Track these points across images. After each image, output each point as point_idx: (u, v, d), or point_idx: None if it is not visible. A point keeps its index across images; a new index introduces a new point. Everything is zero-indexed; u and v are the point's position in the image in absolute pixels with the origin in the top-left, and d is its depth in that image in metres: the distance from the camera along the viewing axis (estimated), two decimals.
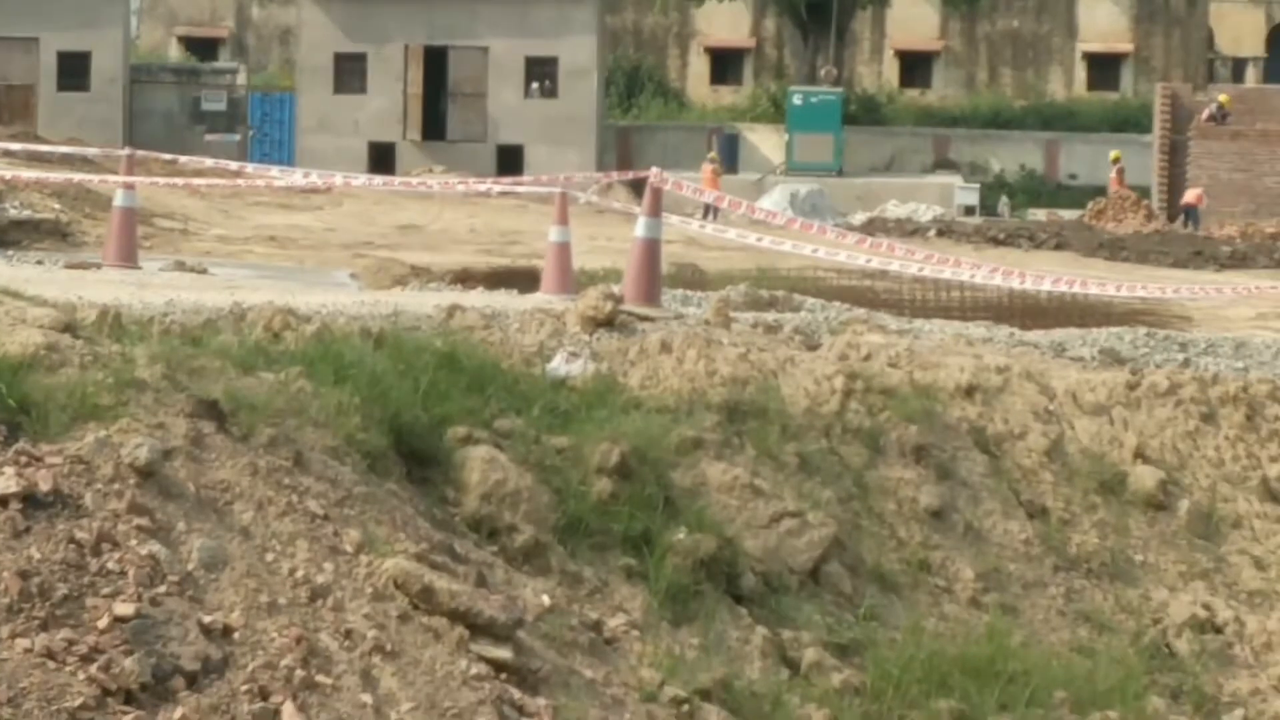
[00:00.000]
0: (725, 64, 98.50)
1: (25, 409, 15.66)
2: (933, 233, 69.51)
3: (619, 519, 18.02)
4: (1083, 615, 19.57)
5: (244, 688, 14.17)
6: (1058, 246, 66.20)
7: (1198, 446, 21.42)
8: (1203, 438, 21.52)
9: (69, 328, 17.91)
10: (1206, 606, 19.78)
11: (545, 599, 16.83)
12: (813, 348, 21.83)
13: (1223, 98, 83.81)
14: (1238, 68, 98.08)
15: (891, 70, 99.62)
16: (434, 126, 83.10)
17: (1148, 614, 19.71)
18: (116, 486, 15.11)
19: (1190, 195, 76.24)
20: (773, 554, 18.59)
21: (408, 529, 16.45)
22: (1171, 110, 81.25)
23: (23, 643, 13.79)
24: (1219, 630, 19.66)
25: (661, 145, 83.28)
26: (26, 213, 49.22)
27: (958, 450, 20.64)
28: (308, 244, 51.14)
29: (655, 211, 23.97)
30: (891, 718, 17.37)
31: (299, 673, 14.41)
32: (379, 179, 50.94)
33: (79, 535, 14.60)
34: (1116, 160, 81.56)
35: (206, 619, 14.54)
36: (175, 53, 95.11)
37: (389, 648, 15.01)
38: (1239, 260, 62.89)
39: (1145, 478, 20.87)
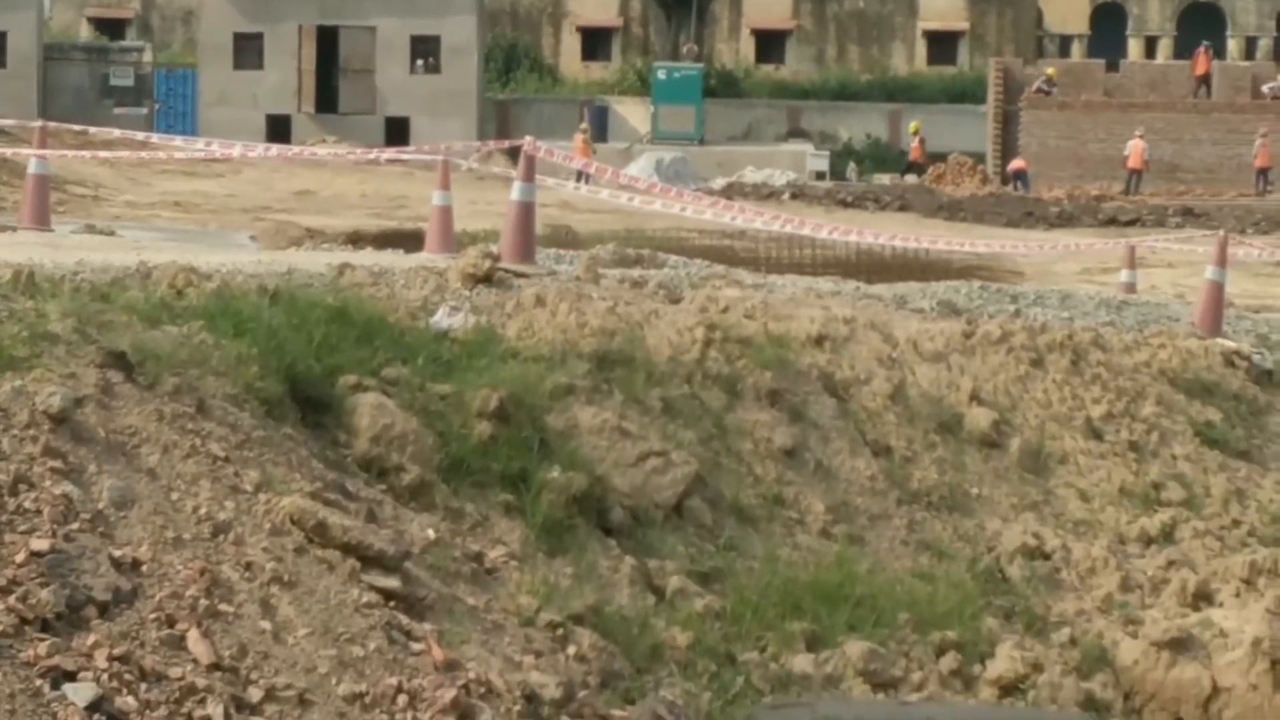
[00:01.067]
0: (595, 42, 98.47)
1: None
2: (787, 196, 69.59)
3: (498, 459, 18.05)
4: (923, 544, 19.64)
5: (152, 616, 14.12)
6: (901, 208, 66.46)
7: (1027, 389, 21.52)
8: (1032, 381, 21.62)
9: None
10: (1036, 535, 19.87)
11: (430, 533, 16.84)
12: (675, 301, 21.85)
13: (1050, 71, 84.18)
14: (1064, 44, 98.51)
15: (748, 47, 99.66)
16: (326, 100, 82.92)
17: (982, 543, 19.80)
18: (31, 432, 15.05)
19: (1017, 162, 76.61)
20: (639, 490, 18.63)
21: (303, 470, 16.43)
22: (1004, 83, 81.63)
23: None
24: (1047, 557, 19.75)
25: (537, 117, 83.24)
26: None
27: (809, 394, 20.68)
28: (210, 209, 50.97)
29: (529, 177, 23.97)
30: (749, 639, 17.41)
31: (203, 602, 14.37)
32: (275, 149, 50.70)
33: None
34: (916, 131, 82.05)
35: (116, 553, 14.49)
36: (85, 33, 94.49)
37: (286, 578, 14.98)
38: (1066, 220, 63.24)
39: (980, 418, 20.98)
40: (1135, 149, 74.15)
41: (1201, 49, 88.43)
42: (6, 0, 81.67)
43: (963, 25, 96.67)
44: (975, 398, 21.21)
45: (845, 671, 17.37)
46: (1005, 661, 17.94)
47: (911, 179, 78.04)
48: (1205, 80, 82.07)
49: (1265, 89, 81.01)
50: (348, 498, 16.47)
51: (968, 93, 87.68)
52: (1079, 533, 20.03)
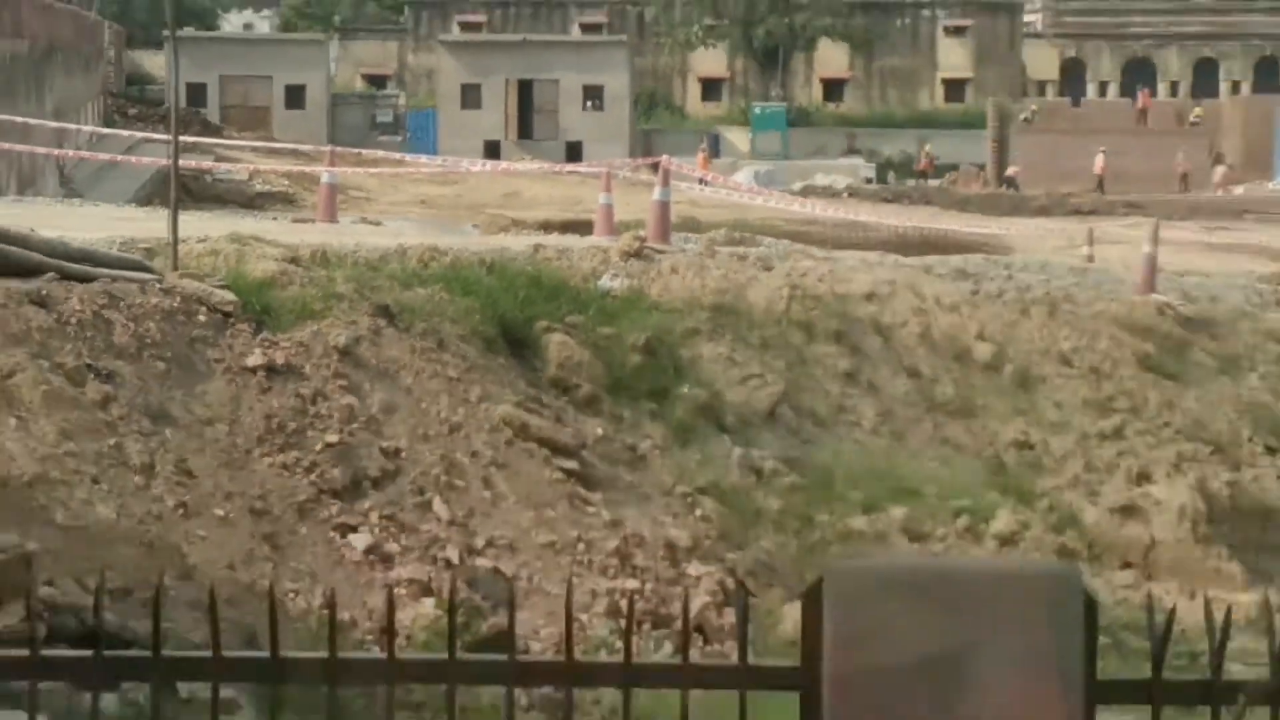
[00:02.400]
0: (711, 88, 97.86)
1: (266, 312, 15.70)
2: (845, 195, 69.18)
3: (645, 380, 18.10)
4: (944, 440, 19.58)
5: (409, 488, 14.20)
6: (926, 203, 65.98)
7: (1017, 331, 21.39)
8: (1020, 325, 21.47)
9: (294, 260, 17.93)
10: (1024, 433, 19.77)
11: (599, 430, 16.88)
12: (768, 269, 21.73)
13: (1033, 107, 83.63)
14: (1041, 87, 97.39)
15: (817, 91, 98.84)
16: (525, 130, 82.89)
17: (986, 439, 19.71)
18: (325, 360, 15.14)
19: (1010, 170, 76.11)
20: (744, 402, 18.63)
21: (511, 387, 16.48)
22: (999, 115, 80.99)
23: (268, 460, 13.82)
24: (1032, 448, 19.65)
25: (671, 142, 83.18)
26: (267, 187, 49.39)
27: (862, 335, 20.62)
28: (445, 206, 51.13)
29: (665, 183, 24.03)
30: (821, 504, 17.42)
31: (443, 478, 14.42)
32: (490, 164, 50.85)
33: (302, 391, 14.64)
34: (927, 152, 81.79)
35: (384, 445, 14.57)
36: (359, 85, 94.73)
37: (500, 462, 15.03)
38: (1043, 211, 62.60)
39: (984, 350, 20.86)
40: (1099, 162, 73.47)
41: (1142, 91, 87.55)
42: (305, 63, 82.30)
43: (969, 74, 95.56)
44: (980, 336, 21.09)
45: (890, 529, 17.36)
46: (1003, 522, 17.90)
47: (923, 182, 77.61)
48: (1144, 113, 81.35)
49: (1191, 118, 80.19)
50: (542, 406, 16.52)
51: (973, 122, 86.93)
52: (1055, 431, 19.93)
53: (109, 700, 6.69)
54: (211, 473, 13.38)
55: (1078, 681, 3.61)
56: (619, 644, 12.76)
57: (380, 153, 47.62)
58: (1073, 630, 3.63)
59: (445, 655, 3.81)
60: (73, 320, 14.18)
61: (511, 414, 15.69)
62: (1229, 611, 3.86)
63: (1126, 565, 18.31)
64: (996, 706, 3.59)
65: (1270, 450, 20.25)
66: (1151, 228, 25.40)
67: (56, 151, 39.81)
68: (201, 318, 15.03)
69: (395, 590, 12.37)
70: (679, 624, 13.83)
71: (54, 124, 40.51)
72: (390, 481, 14.16)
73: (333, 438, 14.18)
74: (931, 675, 3.58)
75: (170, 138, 18.29)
